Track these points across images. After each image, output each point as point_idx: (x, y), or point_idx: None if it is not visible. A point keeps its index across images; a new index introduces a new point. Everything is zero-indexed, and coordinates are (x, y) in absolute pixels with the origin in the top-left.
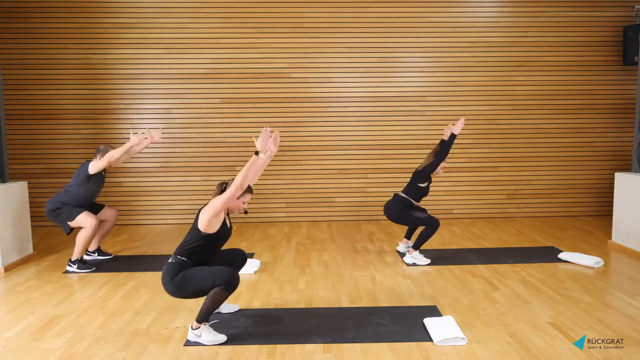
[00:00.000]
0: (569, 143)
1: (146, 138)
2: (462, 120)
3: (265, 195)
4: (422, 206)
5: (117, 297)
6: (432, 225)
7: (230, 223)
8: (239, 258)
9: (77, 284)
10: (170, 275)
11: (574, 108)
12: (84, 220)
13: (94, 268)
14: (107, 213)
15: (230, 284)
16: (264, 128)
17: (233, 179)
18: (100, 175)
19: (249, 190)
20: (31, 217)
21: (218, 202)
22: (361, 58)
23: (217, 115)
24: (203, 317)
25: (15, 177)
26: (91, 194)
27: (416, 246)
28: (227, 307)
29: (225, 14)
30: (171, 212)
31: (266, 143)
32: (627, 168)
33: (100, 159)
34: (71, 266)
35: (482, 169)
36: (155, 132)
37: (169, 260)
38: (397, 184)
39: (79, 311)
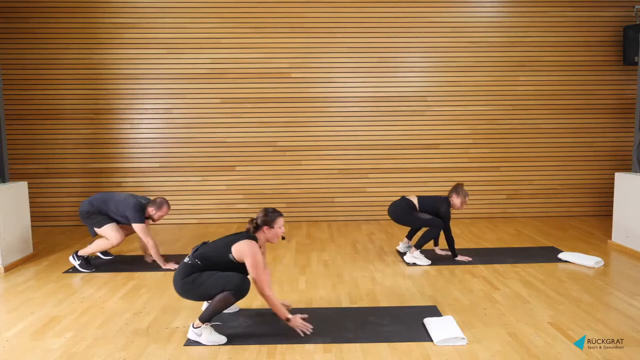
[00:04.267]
0: (569, 143)
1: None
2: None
3: (265, 195)
4: None
5: (117, 297)
6: (436, 225)
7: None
8: None
9: (77, 284)
10: (182, 275)
11: (574, 108)
12: (109, 233)
13: (94, 269)
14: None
15: (240, 291)
16: (307, 330)
17: (260, 219)
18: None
19: (279, 214)
20: (31, 217)
21: (252, 266)
22: (362, 58)
23: (217, 115)
24: (206, 318)
25: (15, 177)
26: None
27: (418, 245)
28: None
29: (225, 14)
30: (171, 212)
31: (297, 326)
32: (627, 168)
33: (154, 213)
34: (75, 259)
35: (482, 169)
36: (170, 264)
37: (185, 260)
38: (397, 183)
39: (79, 311)
